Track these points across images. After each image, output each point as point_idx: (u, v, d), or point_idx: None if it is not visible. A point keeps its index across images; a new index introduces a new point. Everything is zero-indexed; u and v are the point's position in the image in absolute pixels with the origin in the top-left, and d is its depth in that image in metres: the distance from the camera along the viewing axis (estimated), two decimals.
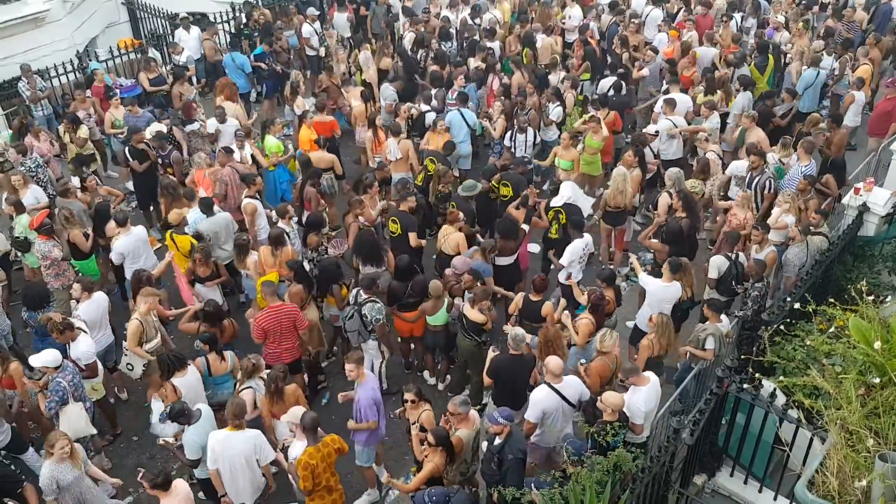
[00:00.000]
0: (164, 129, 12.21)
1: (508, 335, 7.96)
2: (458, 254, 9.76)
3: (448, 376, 9.69)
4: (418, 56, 15.03)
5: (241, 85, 14.54)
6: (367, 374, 7.75)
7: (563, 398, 7.39)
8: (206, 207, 9.99)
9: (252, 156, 11.81)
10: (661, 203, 10.41)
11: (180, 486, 6.77)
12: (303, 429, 6.97)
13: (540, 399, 7.39)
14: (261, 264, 9.51)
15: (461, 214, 10.03)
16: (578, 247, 9.61)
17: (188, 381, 7.81)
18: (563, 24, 16.43)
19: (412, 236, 9.84)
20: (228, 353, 8.34)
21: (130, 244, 9.67)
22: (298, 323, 8.56)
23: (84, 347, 8.21)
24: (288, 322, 8.50)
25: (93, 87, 13.74)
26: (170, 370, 7.78)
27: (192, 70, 14.87)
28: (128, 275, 9.56)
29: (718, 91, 12.99)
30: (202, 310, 8.67)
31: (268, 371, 7.90)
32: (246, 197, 10.56)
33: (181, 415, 7.24)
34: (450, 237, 9.89)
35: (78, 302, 8.84)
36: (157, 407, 7.87)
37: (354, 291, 8.94)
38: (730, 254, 9.26)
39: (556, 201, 10.32)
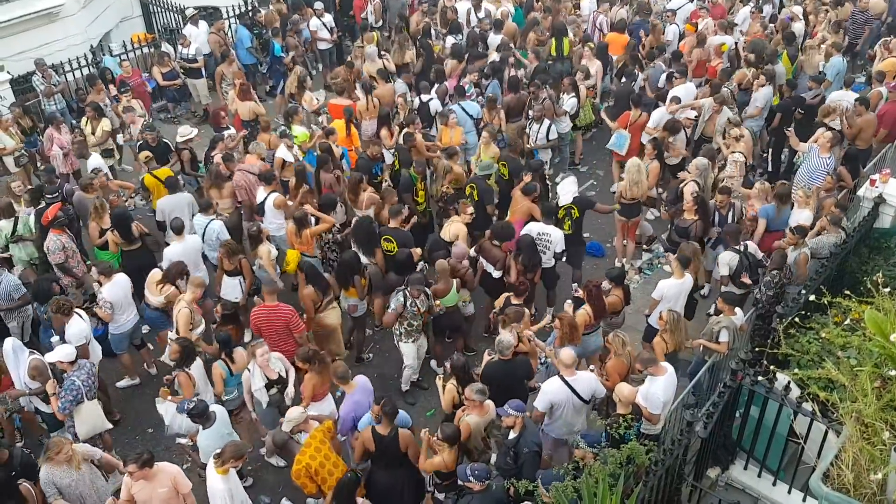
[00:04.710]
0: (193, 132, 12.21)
1: (496, 341, 7.93)
2: (452, 242, 9.77)
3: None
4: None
5: (243, 56, 15.19)
6: (353, 384, 7.68)
7: (574, 392, 7.38)
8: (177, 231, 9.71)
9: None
10: (686, 193, 10.22)
11: (167, 468, 6.79)
12: (276, 447, 7.10)
13: (550, 390, 7.40)
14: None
15: (470, 209, 9.99)
16: (533, 229, 9.62)
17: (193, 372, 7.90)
18: (578, 16, 16.38)
19: (415, 252, 9.60)
20: (238, 349, 8.30)
21: (182, 254, 9.53)
22: (292, 326, 8.49)
23: (76, 329, 8.34)
24: (280, 324, 8.44)
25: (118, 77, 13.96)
26: (191, 358, 7.87)
27: (202, 62, 14.93)
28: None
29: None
30: (221, 314, 8.72)
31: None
32: (268, 193, 10.43)
33: (201, 415, 7.27)
34: (452, 225, 9.87)
35: (101, 286, 8.99)
36: (164, 408, 7.94)
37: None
38: (737, 247, 9.22)
39: (565, 199, 10.14)
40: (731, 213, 10.05)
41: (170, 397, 7.88)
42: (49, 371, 7.85)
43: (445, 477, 7.11)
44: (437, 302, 8.91)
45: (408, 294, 8.59)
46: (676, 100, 12.12)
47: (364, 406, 7.57)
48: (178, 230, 9.59)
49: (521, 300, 8.74)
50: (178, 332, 8.54)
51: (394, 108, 12.89)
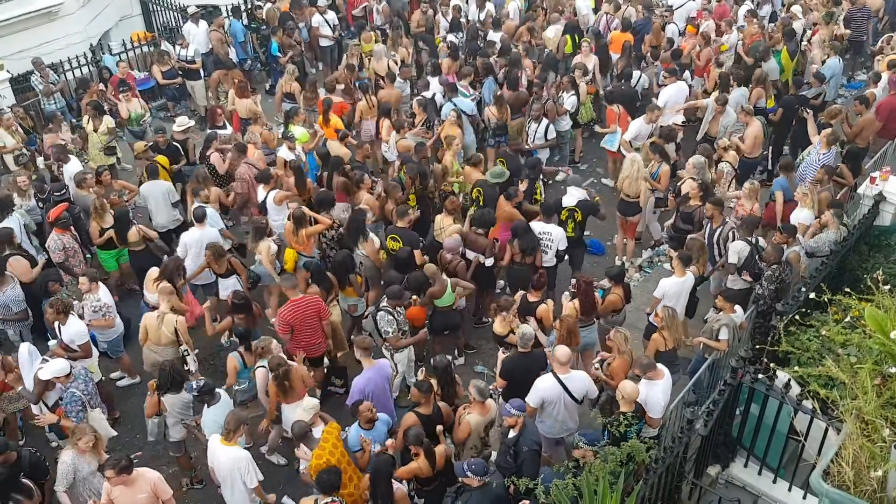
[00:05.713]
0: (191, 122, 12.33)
1: (517, 333, 7.95)
2: None
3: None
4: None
5: (236, 50, 15.34)
6: (373, 362, 7.81)
7: (567, 390, 7.38)
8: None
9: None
10: (685, 188, 10.25)
11: (147, 474, 6.74)
12: (296, 439, 7.10)
13: (542, 387, 7.40)
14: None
15: (458, 202, 10.02)
16: (535, 228, 9.59)
17: (173, 402, 7.68)
18: (575, 15, 16.37)
19: (417, 253, 9.54)
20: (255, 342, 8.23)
21: (199, 241, 9.61)
22: (323, 313, 8.55)
23: (75, 328, 8.33)
24: (313, 313, 8.48)
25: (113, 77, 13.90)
26: (164, 386, 7.64)
27: (200, 63, 14.89)
28: (188, 273, 9.51)
29: (758, 87, 12.74)
30: (232, 302, 8.73)
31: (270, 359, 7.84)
32: (267, 191, 10.46)
33: (209, 393, 7.38)
34: (447, 229, 9.83)
35: (81, 299, 8.93)
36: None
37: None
38: (749, 238, 9.22)
39: (569, 201, 10.08)
40: (720, 229, 9.45)
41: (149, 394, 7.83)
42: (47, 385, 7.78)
43: (425, 482, 7.10)
44: (414, 297, 8.84)
45: (389, 309, 8.53)
46: (654, 108, 11.99)
47: (375, 382, 7.68)
48: (200, 218, 9.69)
49: (539, 295, 8.72)
50: (188, 343, 8.55)
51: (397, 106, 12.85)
